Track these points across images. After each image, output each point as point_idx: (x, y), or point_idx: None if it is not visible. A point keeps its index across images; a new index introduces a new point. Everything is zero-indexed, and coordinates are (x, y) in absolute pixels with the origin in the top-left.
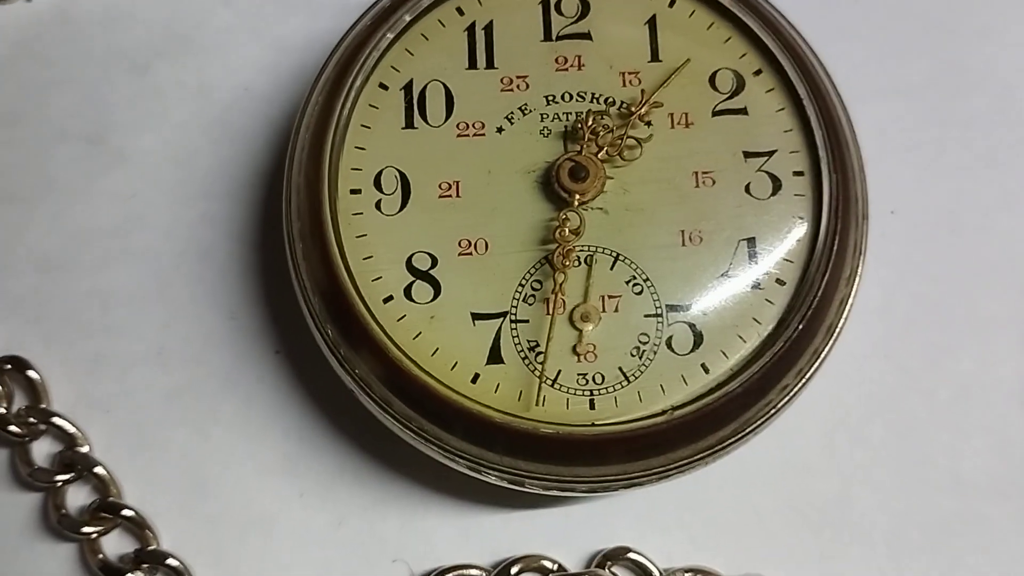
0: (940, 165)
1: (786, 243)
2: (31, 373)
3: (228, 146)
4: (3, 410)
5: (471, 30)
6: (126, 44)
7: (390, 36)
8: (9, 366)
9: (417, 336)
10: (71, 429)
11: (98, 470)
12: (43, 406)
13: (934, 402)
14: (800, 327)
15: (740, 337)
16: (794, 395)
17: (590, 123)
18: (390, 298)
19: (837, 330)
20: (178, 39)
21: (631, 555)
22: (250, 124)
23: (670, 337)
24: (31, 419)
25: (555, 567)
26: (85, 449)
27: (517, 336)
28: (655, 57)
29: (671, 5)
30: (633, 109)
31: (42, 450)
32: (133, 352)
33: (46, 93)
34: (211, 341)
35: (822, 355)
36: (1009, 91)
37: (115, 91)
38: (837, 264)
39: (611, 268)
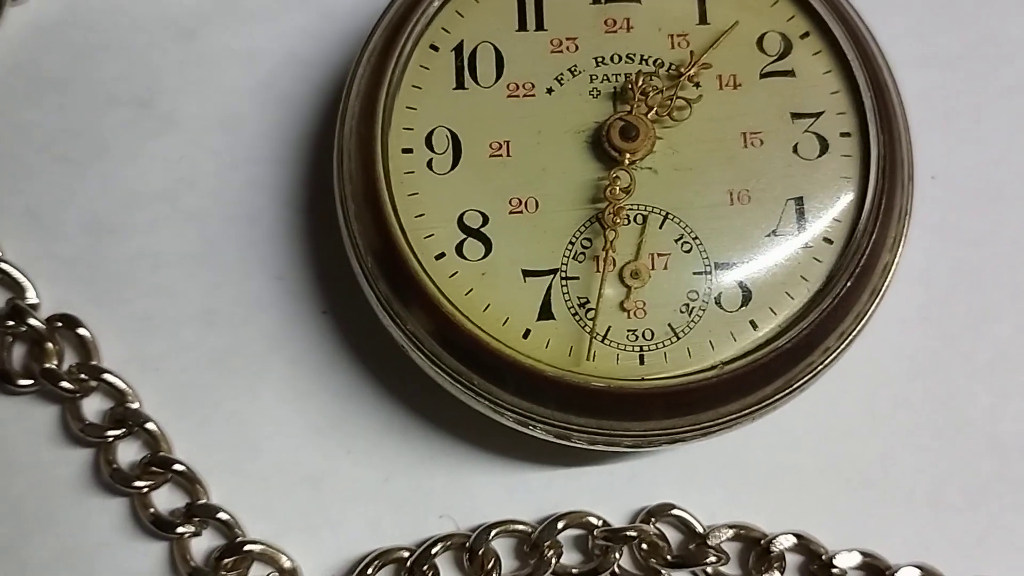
0: (979, 132)
1: (834, 202)
2: (82, 331)
3: (275, 111)
4: (54, 366)
5: None
6: (174, 10)
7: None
8: (60, 324)
9: (469, 292)
10: (121, 385)
11: (149, 426)
12: (94, 363)
13: (974, 365)
14: (848, 284)
15: (788, 294)
16: (838, 355)
17: (640, 84)
18: (442, 255)
19: (881, 292)
20: (226, 4)
21: (675, 511)
22: (297, 89)
23: (719, 294)
24: (82, 375)
25: (600, 523)
26: (136, 406)
27: (567, 292)
28: (703, 20)
29: None
30: (682, 70)
31: (92, 406)
32: (182, 312)
33: (95, 58)
34: (259, 302)
35: (866, 316)
36: None
37: (163, 56)
38: (884, 225)
39: (660, 227)
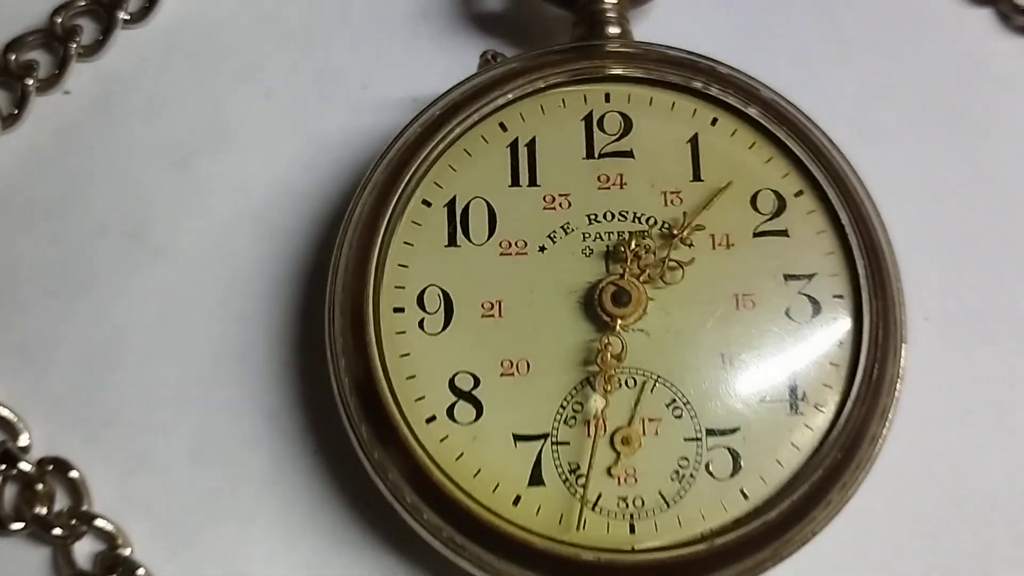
0: (974, 270)
1: (825, 368)
2: (73, 473)
3: (268, 244)
4: (45, 511)
5: (514, 146)
6: (167, 137)
7: (433, 152)
8: (51, 467)
9: (459, 457)
10: (112, 530)
11: (140, 572)
12: (84, 508)
13: (964, 511)
14: (838, 456)
15: (779, 462)
16: (827, 524)
17: (632, 246)
18: (433, 418)
19: (868, 466)
20: (219, 133)
21: None
22: (290, 222)
23: (709, 461)
24: (72, 521)
25: None
26: (127, 551)
27: (558, 458)
28: (697, 176)
29: (713, 123)
30: (675, 231)
31: (84, 549)
32: (173, 451)
33: (87, 186)
34: (250, 441)
35: (853, 487)
36: None
37: (156, 186)
38: (875, 394)
39: (652, 391)
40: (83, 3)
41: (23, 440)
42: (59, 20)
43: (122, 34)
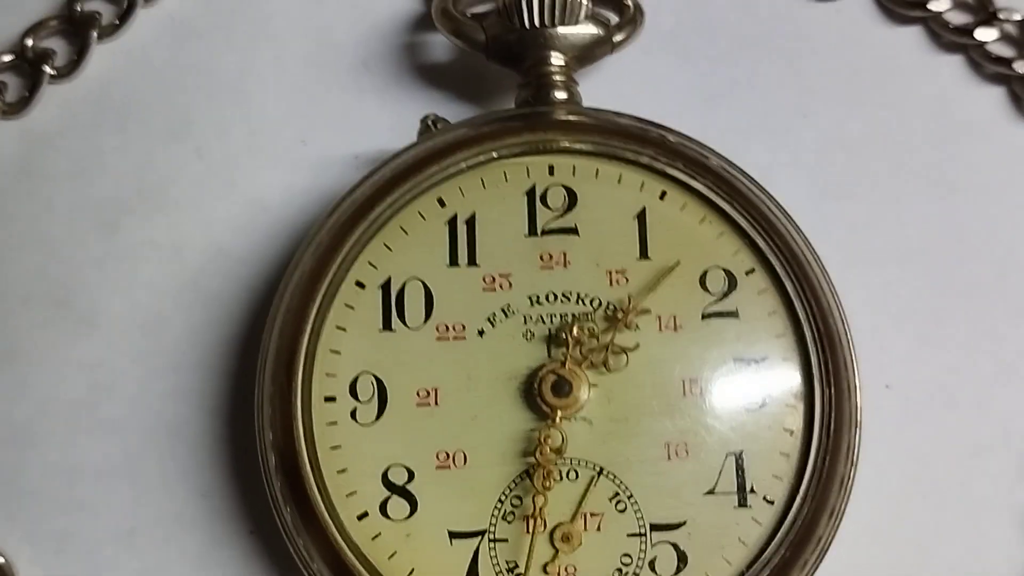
0: (938, 335)
1: (775, 459)
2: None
3: (200, 311)
4: None
5: (452, 223)
6: (95, 199)
7: (368, 230)
8: None
9: (392, 556)
10: None
11: None
12: None
13: None
14: (785, 555)
15: (726, 560)
16: None
17: (575, 332)
18: (365, 515)
19: (815, 563)
20: (149, 194)
21: None
22: (224, 287)
23: (653, 559)
24: None
25: None
26: None
27: (495, 556)
28: (644, 254)
29: (662, 197)
30: (619, 316)
31: None
32: (102, 531)
33: (11, 252)
34: (183, 521)
35: None
36: (1011, 256)
37: (82, 250)
38: (825, 488)
39: (594, 484)
40: (7, 59)
41: None
42: None
43: (49, 90)
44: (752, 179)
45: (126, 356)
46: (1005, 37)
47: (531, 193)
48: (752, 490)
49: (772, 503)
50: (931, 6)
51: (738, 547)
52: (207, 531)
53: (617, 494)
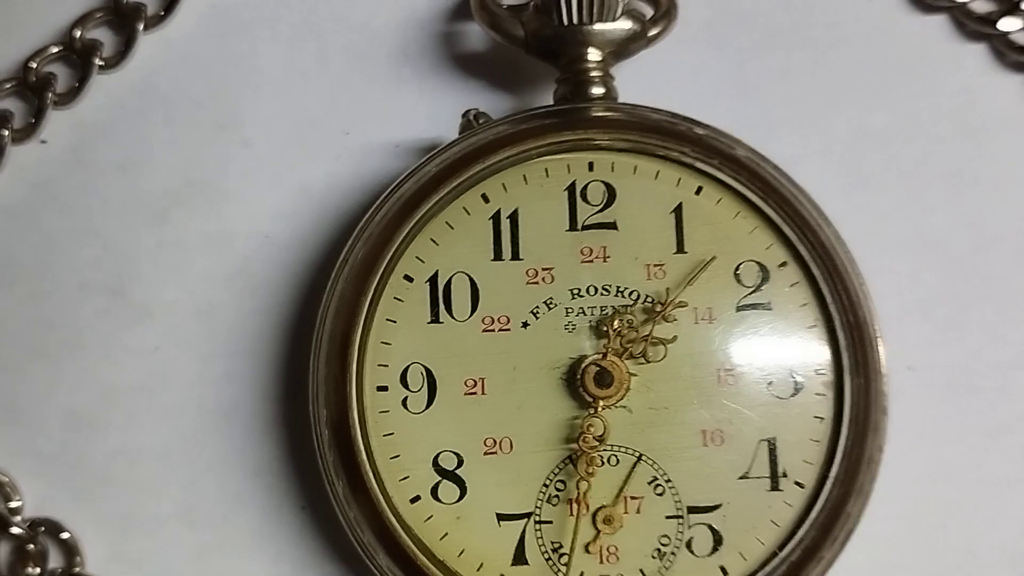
0: (960, 319)
1: (806, 445)
2: (64, 535)
3: (250, 298)
4: (38, 571)
5: (496, 219)
6: (145, 190)
7: (415, 226)
8: (43, 528)
9: (444, 537)
10: None
11: None
12: (77, 569)
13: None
14: (814, 535)
15: (759, 539)
16: None
17: (615, 325)
18: (417, 498)
19: (844, 539)
20: (198, 185)
21: None
22: (272, 274)
23: (690, 539)
24: None
25: None
26: None
27: (541, 537)
28: (680, 248)
29: (698, 192)
30: (657, 309)
31: None
32: (162, 510)
33: (67, 243)
34: (238, 499)
35: (832, 562)
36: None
37: (135, 240)
38: (852, 472)
39: (633, 468)
40: (56, 49)
41: (15, 502)
42: (33, 67)
43: (97, 80)
44: (784, 173)
45: (180, 342)
46: None
47: (571, 189)
48: (784, 474)
49: (803, 487)
50: None
51: (771, 528)
52: (261, 508)
53: (656, 478)
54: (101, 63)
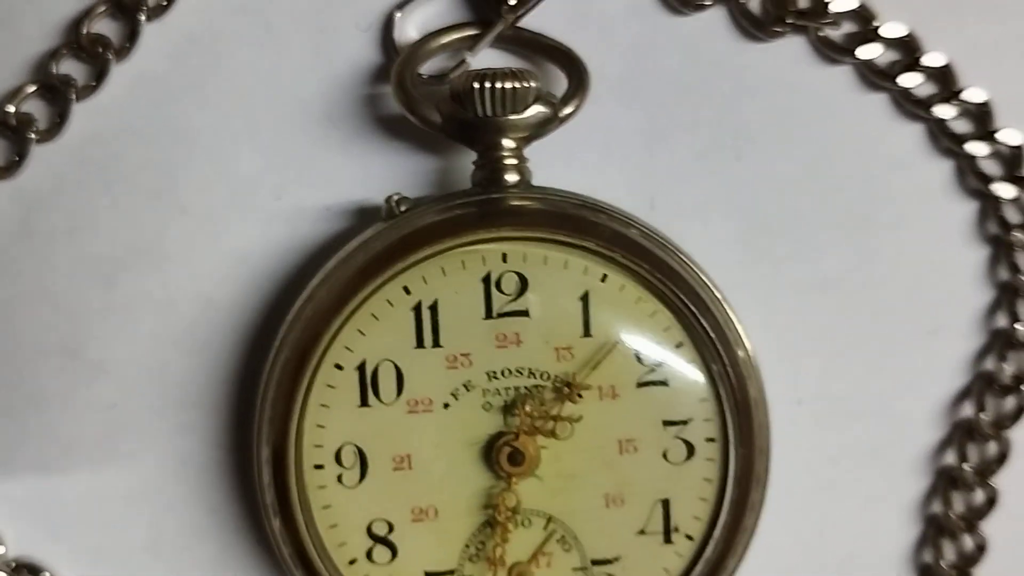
0: (846, 357)
1: (695, 503)
2: (45, 574)
3: (197, 357)
4: None
5: (417, 309)
6: (91, 257)
7: (344, 319)
8: (26, 570)
9: None
10: None
11: None
12: None
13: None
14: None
15: None
16: None
17: (527, 408)
18: (354, 560)
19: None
20: (140, 251)
21: None
22: (215, 334)
23: None
24: None
25: None
26: None
27: None
28: (587, 332)
29: (603, 280)
30: (565, 391)
31: None
32: (129, 546)
33: (19, 308)
34: (198, 533)
35: None
36: (915, 281)
37: (86, 304)
38: (735, 526)
39: (544, 528)
40: None
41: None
42: None
43: (36, 151)
44: (686, 256)
45: (136, 398)
46: (929, 79)
47: (487, 280)
48: (676, 529)
49: (692, 539)
50: (859, 53)
51: (663, 575)
52: (220, 542)
53: (563, 537)
54: (37, 136)
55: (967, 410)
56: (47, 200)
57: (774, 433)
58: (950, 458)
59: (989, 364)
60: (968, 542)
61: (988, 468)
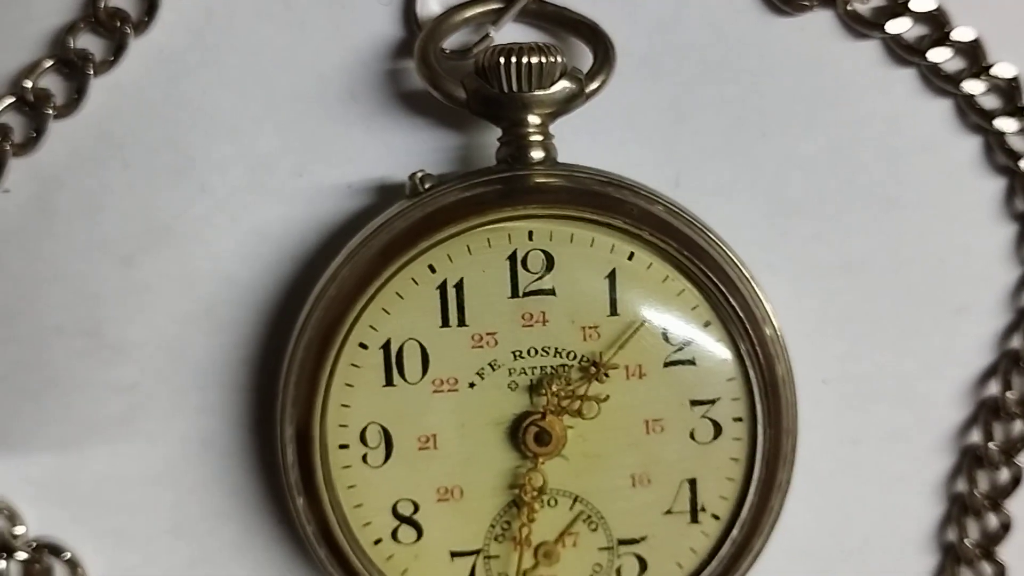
0: (869, 337)
1: (722, 483)
2: (65, 555)
3: (217, 335)
4: None
5: (443, 288)
6: (109, 235)
7: (368, 298)
8: (47, 550)
9: (404, 572)
10: None
11: None
12: None
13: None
14: (727, 561)
15: (678, 564)
16: None
17: (553, 387)
18: (379, 540)
19: (757, 559)
20: (158, 229)
21: None
22: (236, 313)
23: (620, 567)
24: None
25: None
26: None
27: (490, 570)
28: (613, 311)
29: (630, 258)
30: (592, 371)
31: None
32: (152, 527)
33: (38, 288)
34: (221, 515)
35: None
36: (941, 263)
37: (105, 283)
38: (762, 506)
39: (570, 508)
40: (8, 101)
41: (18, 529)
42: None
43: (53, 128)
44: (713, 234)
45: (155, 378)
46: (958, 54)
47: (512, 258)
48: (702, 508)
49: (718, 518)
50: (888, 27)
51: (689, 555)
52: (242, 523)
53: (590, 516)
54: (54, 112)
55: (993, 389)
56: (65, 177)
57: (800, 413)
58: (975, 437)
59: (1016, 343)
60: (993, 520)
61: (1013, 447)
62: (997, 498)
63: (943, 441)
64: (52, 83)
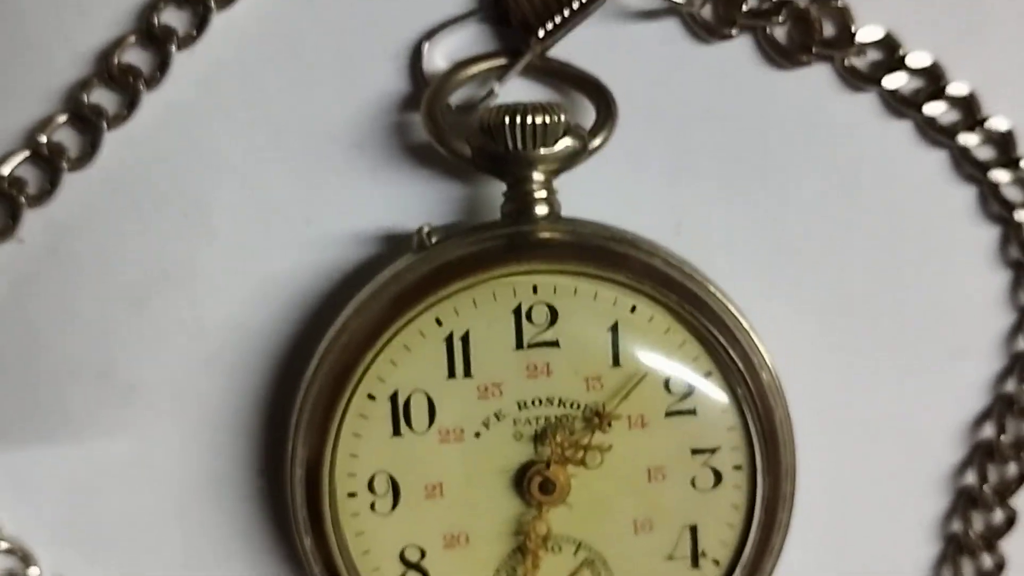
0: (865, 377)
1: (722, 529)
2: None
3: (228, 379)
4: None
5: (449, 340)
6: (122, 281)
7: (377, 350)
8: None
9: None
10: None
11: None
12: None
13: None
14: None
15: None
16: None
17: (557, 438)
18: None
19: None
20: (170, 276)
21: None
22: (246, 359)
23: None
24: None
25: None
26: None
27: None
28: (616, 362)
29: (632, 311)
30: (595, 421)
31: None
32: (165, 567)
33: (53, 332)
34: (230, 552)
35: None
36: (936, 305)
37: (118, 327)
38: (762, 550)
39: (574, 554)
40: (26, 153)
41: (33, 570)
42: (4, 174)
43: (68, 179)
44: (712, 284)
45: (167, 419)
46: (953, 107)
47: (517, 311)
48: (703, 554)
49: (718, 563)
50: (885, 82)
51: None
52: (250, 562)
53: (593, 562)
54: (68, 165)
55: (987, 431)
56: (78, 227)
57: (799, 454)
58: (970, 478)
59: (1010, 386)
60: (987, 560)
61: (1007, 488)
62: (991, 538)
63: (938, 482)
64: (66, 137)
